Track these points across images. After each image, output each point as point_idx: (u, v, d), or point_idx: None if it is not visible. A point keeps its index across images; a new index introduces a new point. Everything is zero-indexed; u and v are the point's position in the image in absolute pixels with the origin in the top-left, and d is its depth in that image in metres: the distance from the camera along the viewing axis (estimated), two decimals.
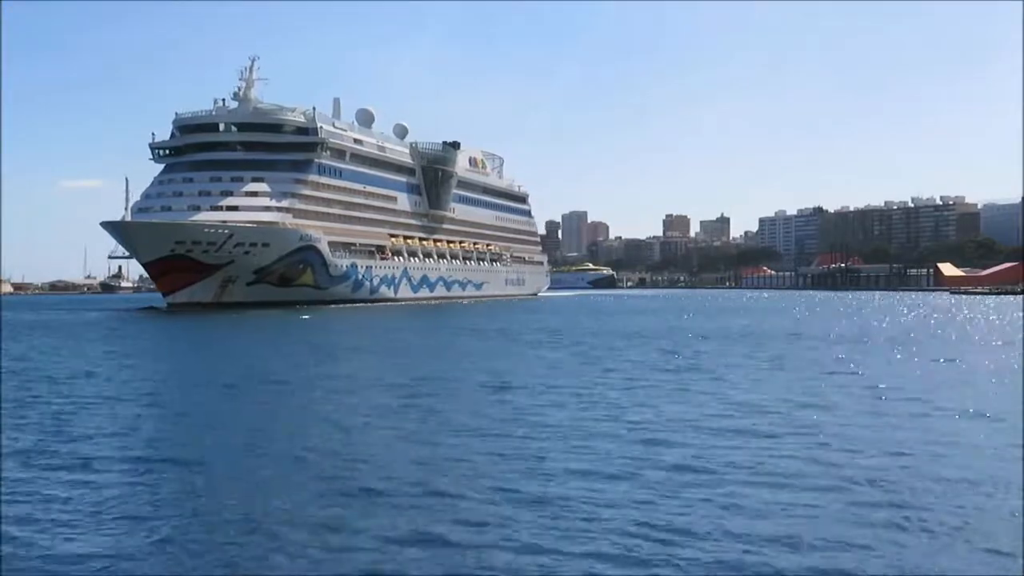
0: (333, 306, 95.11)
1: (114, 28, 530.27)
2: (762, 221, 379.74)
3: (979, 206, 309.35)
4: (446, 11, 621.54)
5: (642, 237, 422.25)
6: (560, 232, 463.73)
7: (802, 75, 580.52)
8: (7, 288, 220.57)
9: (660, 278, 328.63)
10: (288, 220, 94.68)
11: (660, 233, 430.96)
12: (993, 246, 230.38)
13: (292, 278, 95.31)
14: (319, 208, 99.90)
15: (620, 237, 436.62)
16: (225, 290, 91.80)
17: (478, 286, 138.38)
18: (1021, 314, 70.99)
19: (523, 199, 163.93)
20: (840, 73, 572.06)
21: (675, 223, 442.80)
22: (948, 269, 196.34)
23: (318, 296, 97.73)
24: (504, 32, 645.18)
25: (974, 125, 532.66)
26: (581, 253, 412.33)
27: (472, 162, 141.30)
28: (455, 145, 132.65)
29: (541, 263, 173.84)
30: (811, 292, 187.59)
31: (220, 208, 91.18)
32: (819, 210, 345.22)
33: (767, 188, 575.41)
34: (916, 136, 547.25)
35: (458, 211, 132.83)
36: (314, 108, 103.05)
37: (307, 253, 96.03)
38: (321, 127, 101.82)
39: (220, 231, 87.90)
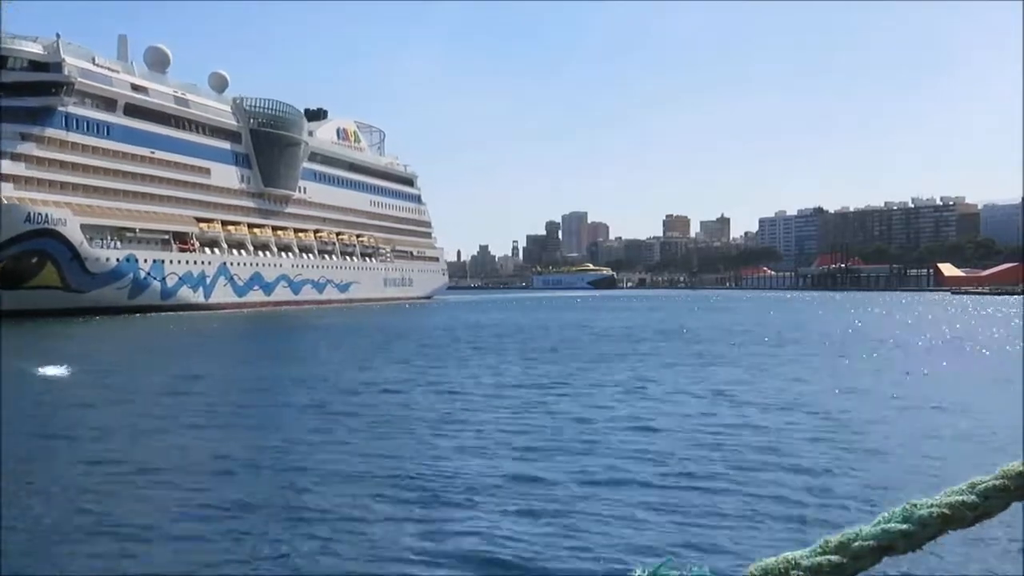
0: (84, 319, 67.41)
1: (116, 28, 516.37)
2: (762, 221, 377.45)
3: (979, 206, 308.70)
4: (446, 11, 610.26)
5: (642, 237, 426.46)
6: (560, 232, 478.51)
7: (802, 75, 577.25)
8: None
9: (660, 279, 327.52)
10: (7, 192, 68.92)
11: (660, 233, 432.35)
12: (993, 246, 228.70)
13: (24, 277, 69.06)
14: (65, 177, 73.98)
15: (620, 237, 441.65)
16: None
17: (343, 287, 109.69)
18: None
19: (410, 181, 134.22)
20: (841, 73, 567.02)
21: (675, 223, 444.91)
22: (948, 269, 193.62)
23: (71, 302, 71.36)
24: (504, 32, 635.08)
25: (974, 125, 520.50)
26: (581, 253, 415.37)
27: (342, 134, 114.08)
28: (320, 113, 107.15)
29: (436, 259, 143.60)
30: (820, 293, 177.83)
31: None
32: (819, 210, 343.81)
33: (767, 188, 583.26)
34: (916, 136, 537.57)
35: (313, 191, 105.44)
36: (58, 35, 75.94)
37: (44, 240, 69.95)
38: (66, 61, 74.78)
39: None
